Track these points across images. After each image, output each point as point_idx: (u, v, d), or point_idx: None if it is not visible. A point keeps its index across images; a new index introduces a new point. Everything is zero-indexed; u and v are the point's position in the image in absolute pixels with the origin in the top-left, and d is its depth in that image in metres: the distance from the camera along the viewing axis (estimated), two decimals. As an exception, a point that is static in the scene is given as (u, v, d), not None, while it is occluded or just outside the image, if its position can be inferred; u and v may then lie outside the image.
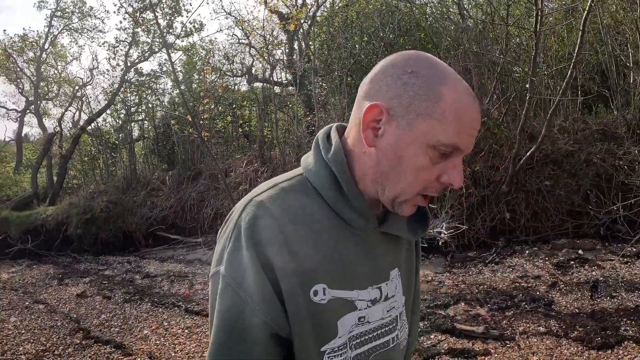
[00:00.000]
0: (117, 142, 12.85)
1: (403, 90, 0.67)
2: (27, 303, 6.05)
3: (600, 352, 3.26)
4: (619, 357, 3.19)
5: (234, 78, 13.90)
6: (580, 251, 5.45)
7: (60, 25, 14.55)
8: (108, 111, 13.31)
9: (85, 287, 6.62)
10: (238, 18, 13.33)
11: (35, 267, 8.38)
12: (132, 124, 13.46)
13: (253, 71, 14.37)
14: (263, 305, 0.65)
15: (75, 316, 5.27)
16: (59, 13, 14.16)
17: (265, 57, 14.33)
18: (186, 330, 4.61)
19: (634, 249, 5.21)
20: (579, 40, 4.75)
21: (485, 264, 5.59)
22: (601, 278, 4.60)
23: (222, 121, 12.04)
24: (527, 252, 5.78)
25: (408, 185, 0.69)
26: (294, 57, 13.47)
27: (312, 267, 0.67)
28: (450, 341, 3.76)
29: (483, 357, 3.40)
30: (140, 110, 13.30)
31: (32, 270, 8.13)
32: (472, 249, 6.17)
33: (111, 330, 4.75)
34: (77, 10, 13.65)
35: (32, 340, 4.60)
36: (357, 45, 9.15)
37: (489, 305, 4.36)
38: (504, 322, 3.96)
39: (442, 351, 3.60)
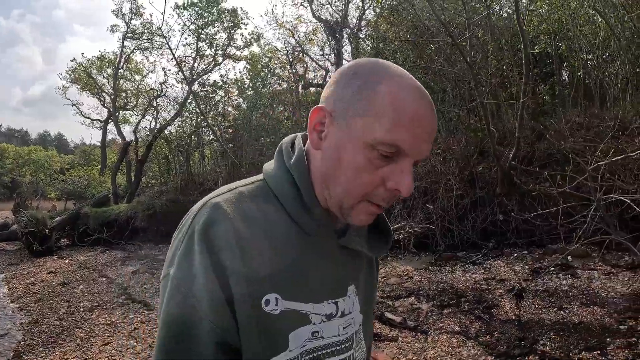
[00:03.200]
0: (186, 146, 14.48)
1: (344, 92, 0.67)
2: (94, 277, 7.71)
3: (497, 360, 3.31)
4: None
5: (291, 84, 14.92)
6: (569, 258, 5.23)
7: (132, 45, 16.53)
8: (180, 118, 15.01)
9: (140, 267, 8.35)
10: (289, 28, 14.25)
11: (107, 252, 10.21)
12: (203, 129, 15.07)
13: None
14: (212, 312, 0.62)
15: (125, 286, 6.89)
16: (129, 35, 16.08)
17: (317, 62, 15.07)
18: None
19: (629, 259, 4.99)
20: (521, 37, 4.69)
21: (466, 264, 5.73)
22: (567, 288, 4.49)
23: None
24: (515, 255, 5.78)
25: (348, 185, 0.66)
26: (343, 59, 14.13)
27: (265, 274, 0.65)
28: (376, 326, 4.15)
29: (389, 342, 3.80)
30: (207, 117, 14.83)
31: (104, 254, 9.93)
32: (462, 249, 6.30)
33: (146, 294, 6.31)
34: (145, 31, 15.40)
35: (90, 300, 6.23)
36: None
37: (433, 302, 4.64)
38: (434, 317, 4.23)
39: (360, 331, 4.02)
